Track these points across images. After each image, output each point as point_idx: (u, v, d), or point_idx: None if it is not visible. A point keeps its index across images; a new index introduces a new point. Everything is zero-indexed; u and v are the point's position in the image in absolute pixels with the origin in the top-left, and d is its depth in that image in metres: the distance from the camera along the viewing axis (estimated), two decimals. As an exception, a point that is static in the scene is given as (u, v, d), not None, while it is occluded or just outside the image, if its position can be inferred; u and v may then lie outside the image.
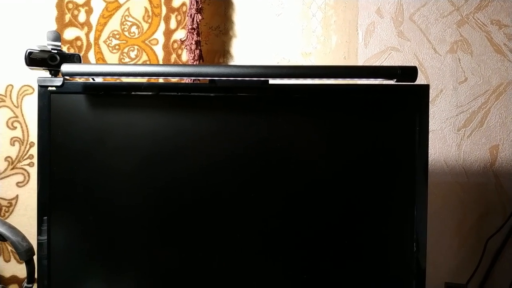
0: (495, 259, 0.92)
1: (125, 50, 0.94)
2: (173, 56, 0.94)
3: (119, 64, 0.92)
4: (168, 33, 0.94)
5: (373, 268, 0.65)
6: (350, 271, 0.65)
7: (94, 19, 0.93)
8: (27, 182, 0.94)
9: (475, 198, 0.93)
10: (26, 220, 0.93)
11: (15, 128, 0.93)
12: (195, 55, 0.91)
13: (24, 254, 0.70)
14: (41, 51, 0.64)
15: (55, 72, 0.65)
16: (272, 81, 0.63)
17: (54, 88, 0.63)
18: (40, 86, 0.63)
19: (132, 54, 0.94)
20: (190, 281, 0.65)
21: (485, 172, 0.93)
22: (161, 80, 0.87)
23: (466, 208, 0.93)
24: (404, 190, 0.64)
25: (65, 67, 0.61)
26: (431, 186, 0.66)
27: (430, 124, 0.65)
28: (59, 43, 0.65)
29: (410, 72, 0.62)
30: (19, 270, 0.94)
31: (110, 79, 0.77)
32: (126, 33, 0.94)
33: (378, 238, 0.65)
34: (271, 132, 0.65)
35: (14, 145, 0.93)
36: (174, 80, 0.87)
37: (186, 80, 0.84)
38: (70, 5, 0.93)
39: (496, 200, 0.92)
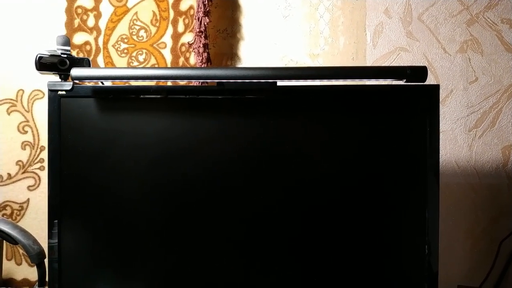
0: (509, 262, 0.90)
1: (134, 54, 0.95)
2: (181, 59, 0.95)
3: (127, 67, 0.92)
4: (176, 36, 0.94)
5: (385, 271, 0.64)
6: (361, 274, 0.64)
7: (102, 23, 0.94)
8: (38, 186, 0.95)
9: (488, 199, 0.91)
10: (37, 223, 0.94)
11: (26, 132, 0.94)
12: (203, 58, 0.91)
13: (35, 257, 0.70)
14: (51, 55, 0.65)
15: (64, 77, 0.66)
16: (280, 83, 0.63)
17: (64, 92, 0.64)
18: (50, 91, 0.64)
19: (141, 58, 0.95)
20: (200, 283, 0.65)
21: (497, 173, 0.91)
22: (169, 83, 0.87)
23: (478, 210, 0.91)
24: (415, 192, 0.63)
25: (75, 72, 0.61)
26: (442, 188, 0.65)
27: (440, 124, 0.64)
28: (68, 48, 0.66)
29: (419, 72, 0.61)
30: (31, 273, 0.95)
31: (119, 83, 0.78)
32: (135, 37, 0.94)
33: (390, 241, 0.64)
34: (280, 134, 0.64)
35: (25, 149, 0.94)
36: (182, 83, 0.87)
37: (194, 83, 0.85)
38: (79, 10, 0.94)
39: (509, 202, 0.91)
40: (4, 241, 0.76)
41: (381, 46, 0.94)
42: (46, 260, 0.68)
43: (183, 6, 0.94)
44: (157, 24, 0.94)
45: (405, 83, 0.63)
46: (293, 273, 0.65)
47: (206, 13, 0.91)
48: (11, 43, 0.94)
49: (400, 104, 0.64)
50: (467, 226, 0.92)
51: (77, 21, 0.94)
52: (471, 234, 0.92)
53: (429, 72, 0.62)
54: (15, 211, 0.95)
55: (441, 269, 0.64)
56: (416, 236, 0.64)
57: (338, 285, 0.64)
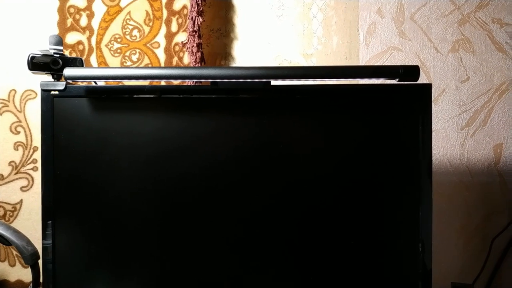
0: (501, 259, 0.91)
1: (127, 53, 0.94)
2: (175, 59, 0.95)
3: (121, 67, 0.92)
4: (170, 36, 0.94)
5: (379, 270, 0.65)
6: (355, 273, 0.65)
7: (95, 23, 0.94)
8: (31, 187, 0.94)
9: (480, 197, 0.92)
10: (30, 224, 0.93)
11: (18, 132, 0.94)
12: (196, 57, 0.91)
13: (29, 258, 0.70)
14: (44, 55, 0.64)
15: (57, 76, 0.65)
16: (274, 82, 0.63)
17: (56, 92, 0.63)
18: (43, 91, 0.63)
19: (134, 58, 0.94)
20: (196, 283, 0.65)
21: (489, 171, 0.92)
22: (163, 82, 0.87)
23: (471, 208, 0.92)
24: (409, 191, 0.64)
25: (68, 71, 0.61)
26: (435, 186, 0.65)
27: (433, 123, 0.65)
28: (61, 48, 0.66)
29: (412, 71, 0.62)
30: (24, 274, 0.94)
31: (112, 83, 0.77)
32: (128, 37, 0.94)
33: (384, 239, 0.64)
34: (274, 133, 0.64)
35: (17, 149, 0.94)
36: (176, 82, 0.87)
37: (188, 82, 0.85)
38: (72, 10, 0.93)
39: (501, 199, 0.92)
40: (-3, 242, 0.75)
41: (374, 46, 0.94)
42: (40, 261, 0.68)
43: (177, 6, 0.94)
44: (150, 24, 0.94)
45: (398, 82, 0.63)
46: (289, 272, 0.65)
47: (200, 13, 0.91)
48: (3, 43, 0.93)
49: (393, 103, 0.64)
50: (460, 224, 0.93)
51: (69, 21, 0.93)
52: (464, 231, 0.93)
53: (421, 71, 0.63)
54: (8, 212, 0.94)
55: (435, 267, 0.64)
56: (410, 234, 0.64)
57: (334, 283, 0.65)
